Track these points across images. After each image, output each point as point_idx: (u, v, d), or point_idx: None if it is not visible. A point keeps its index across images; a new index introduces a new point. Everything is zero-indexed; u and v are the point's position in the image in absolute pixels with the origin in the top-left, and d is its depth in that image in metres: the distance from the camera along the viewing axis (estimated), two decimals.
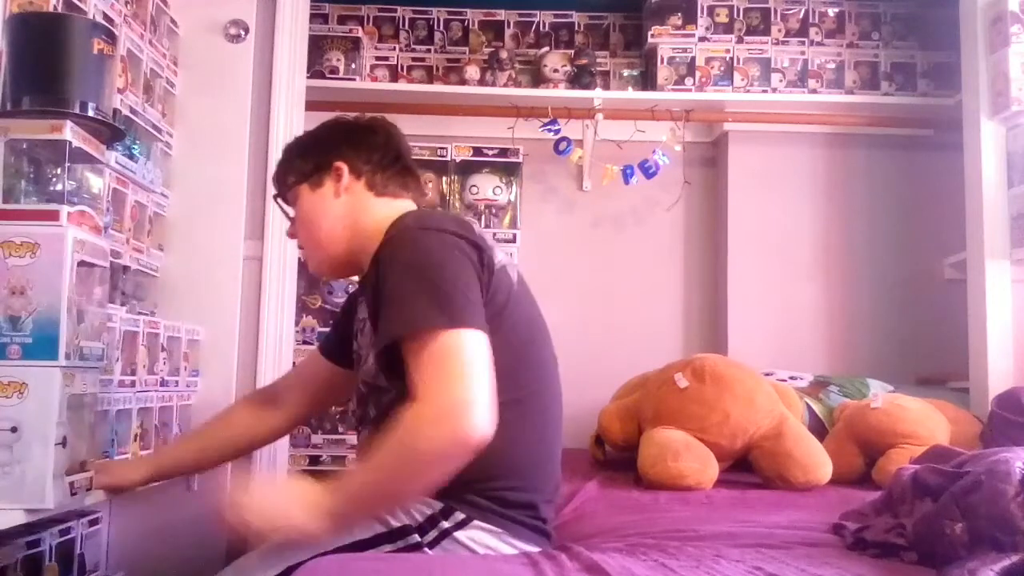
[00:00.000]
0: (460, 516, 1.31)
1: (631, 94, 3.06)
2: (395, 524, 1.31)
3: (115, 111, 1.67)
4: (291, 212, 1.57)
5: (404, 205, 1.51)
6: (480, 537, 1.32)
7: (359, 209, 1.49)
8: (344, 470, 1.32)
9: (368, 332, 1.39)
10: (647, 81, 3.12)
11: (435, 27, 3.22)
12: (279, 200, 1.58)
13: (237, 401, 2.01)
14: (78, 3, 1.71)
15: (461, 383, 1.18)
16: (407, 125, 2.97)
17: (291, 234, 1.59)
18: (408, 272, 1.26)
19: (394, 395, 1.31)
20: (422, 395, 1.19)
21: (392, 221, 1.38)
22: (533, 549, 1.35)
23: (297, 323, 2.65)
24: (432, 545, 1.30)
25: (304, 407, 1.76)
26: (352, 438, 2.74)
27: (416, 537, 1.30)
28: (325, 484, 1.23)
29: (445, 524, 1.31)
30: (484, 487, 1.33)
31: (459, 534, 1.31)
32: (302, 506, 1.20)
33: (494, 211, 2.97)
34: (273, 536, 1.25)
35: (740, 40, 3.07)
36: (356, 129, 1.56)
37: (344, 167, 1.49)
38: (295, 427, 1.97)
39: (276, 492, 1.30)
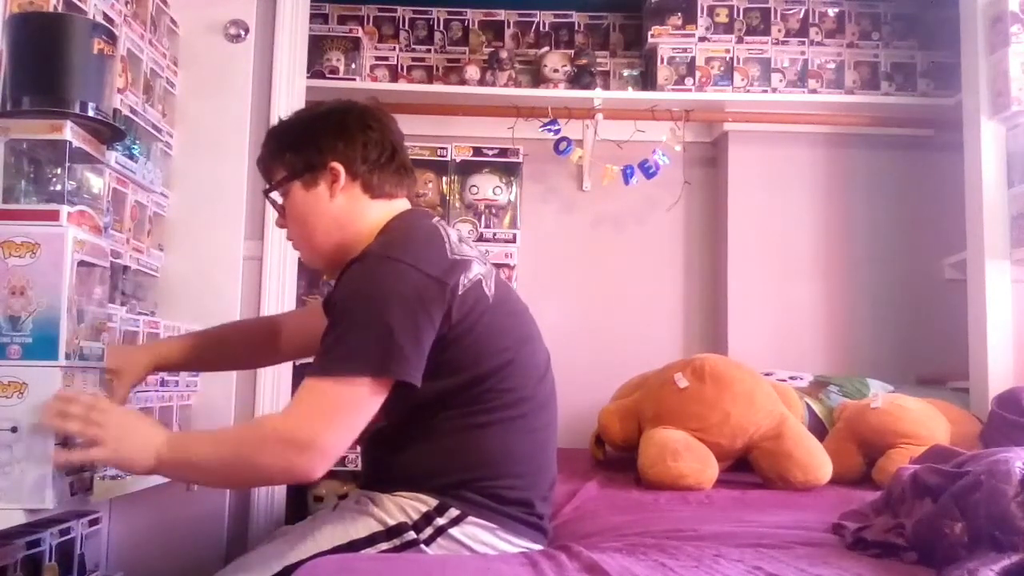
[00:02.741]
0: (455, 512, 1.32)
1: (631, 94, 3.06)
2: (391, 522, 1.32)
3: (115, 111, 1.67)
4: (279, 200, 1.52)
5: (398, 205, 1.50)
6: (475, 533, 1.32)
7: (354, 211, 1.46)
8: (191, 432, 1.49)
9: None
10: (647, 81, 3.12)
11: (435, 27, 3.22)
12: (268, 194, 1.54)
13: (246, 320, 2.14)
14: (78, 3, 1.71)
15: (329, 428, 1.23)
16: (407, 125, 2.96)
17: (281, 225, 1.55)
18: (354, 305, 1.28)
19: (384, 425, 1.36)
20: (290, 415, 1.26)
21: (379, 230, 1.42)
22: (529, 545, 1.36)
23: None
24: (429, 542, 1.30)
25: (300, 354, 1.80)
26: None
27: (412, 534, 1.30)
28: (164, 433, 1.30)
29: (440, 521, 1.31)
30: (479, 484, 1.34)
31: (454, 531, 1.31)
32: (142, 440, 1.25)
33: (494, 211, 2.97)
34: (90, 450, 1.25)
35: (740, 40, 3.07)
36: (352, 124, 1.48)
37: (341, 170, 1.44)
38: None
39: (127, 418, 1.30)
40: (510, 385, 1.37)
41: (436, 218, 1.51)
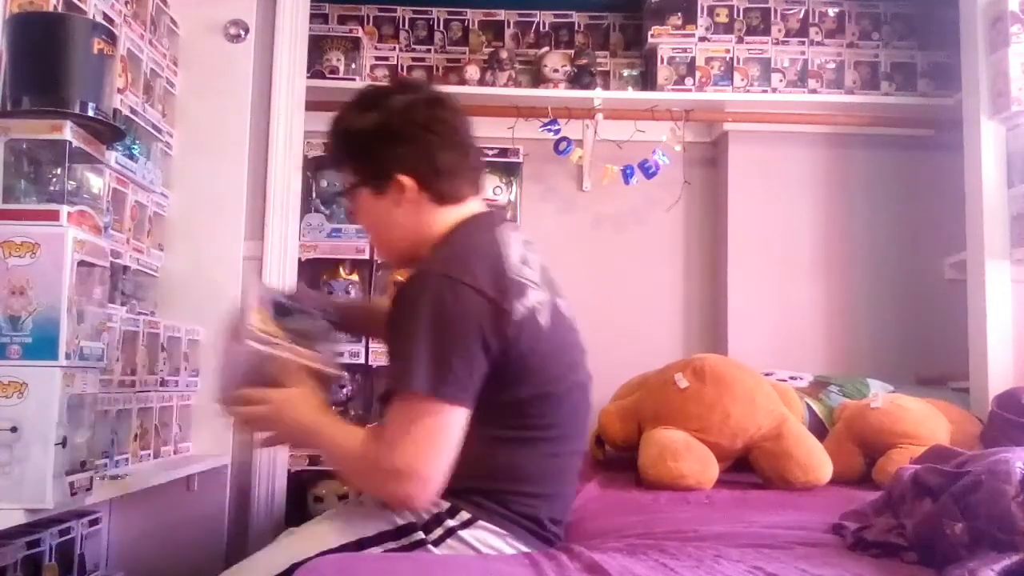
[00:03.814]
0: (466, 516, 1.31)
1: (631, 94, 3.06)
2: (400, 522, 1.31)
3: (115, 111, 1.67)
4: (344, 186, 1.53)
5: (469, 208, 1.44)
6: (484, 537, 1.32)
7: (423, 219, 1.41)
8: (324, 430, 1.37)
9: None
10: (647, 81, 3.12)
11: (435, 27, 3.22)
12: (345, 191, 1.52)
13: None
14: (78, 3, 1.71)
15: (422, 454, 1.24)
16: None
17: (352, 220, 1.60)
18: (418, 324, 1.25)
19: None
20: (388, 447, 1.26)
21: (445, 235, 1.41)
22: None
23: None
24: (437, 543, 1.30)
25: None
26: None
27: (420, 535, 1.30)
28: (318, 408, 1.39)
29: (451, 523, 1.31)
30: (493, 493, 1.33)
31: (464, 533, 1.31)
32: (296, 404, 1.37)
33: None
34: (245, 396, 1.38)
35: (740, 40, 3.07)
36: (418, 128, 1.40)
37: (410, 183, 1.39)
38: None
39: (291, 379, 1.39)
40: (541, 412, 1.35)
41: (503, 226, 1.45)
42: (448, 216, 1.42)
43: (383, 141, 1.41)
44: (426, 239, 1.41)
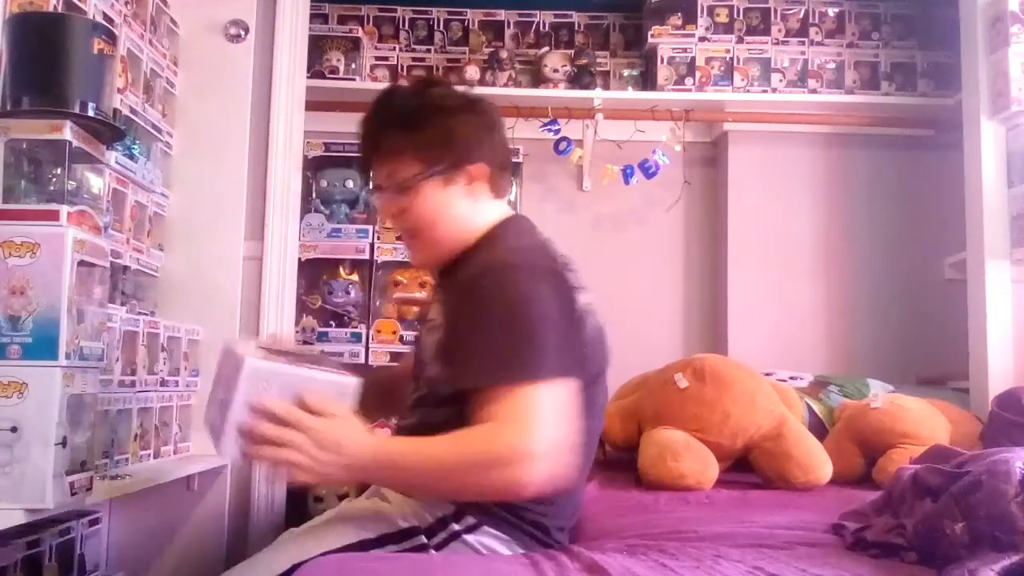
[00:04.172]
0: (471, 520, 1.30)
1: (631, 94, 3.06)
2: (403, 524, 1.30)
3: (115, 111, 1.67)
4: (395, 196, 1.40)
5: (503, 208, 1.47)
6: (488, 542, 1.30)
7: (476, 211, 1.41)
8: (401, 448, 1.22)
9: (435, 334, 1.35)
10: (647, 81, 3.12)
11: (435, 27, 3.22)
12: (380, 187, 1.41)
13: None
14: (78, 3, 1.71)
15: (557, 433, 1.18)
16: None
17: (393, 218, 1.43)
18: (503, 317, 1.23)
19: (448, 415, 1.27)
20: (527, 434, 1.17)
21: (490, 231, 1.39)
22: None
23: (297, 323, 2.66)
24: (440, 546, 1.29)
25: None
26: None
27: (423, 539, 1.29)
28: (372, 446, 1.18)
29: (456, 527, 1.29)
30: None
31: (469, 537, 1.29)
32: (351, 452, 1.15)
33: None
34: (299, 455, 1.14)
35: (740, 40, 3.07)
36: (489, 121, 1.44)
37: (482, 173, 1.40)
38: None
39: (336, 426, 1.17)
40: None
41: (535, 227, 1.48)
42: (492, 212, 1.43)
43: (457, 128, 1.39)
44: (471, 235, 1.40)
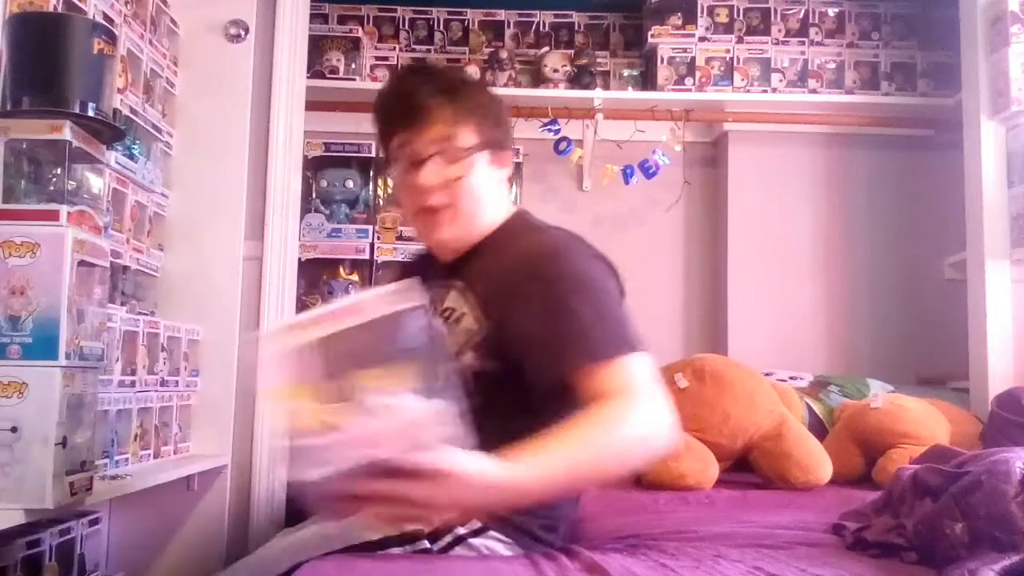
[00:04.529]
0: (477, 524, 1.27)
1: (631, 94, 3.06)
2: (406, 527, 1.25)
3: (115, 111, 1.67)
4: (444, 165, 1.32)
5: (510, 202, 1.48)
6: (493, 545, 1.28)
7: (502, 199, 1.41)
8: (543, 457, 1.06)
9: (465, 324, 1.29)
10: (647, 81, 3.12)
11: (435, 27, 3.22)
12: (426, 155, 1.32)
13: None
14: (78, 3, 1.71)
15: (658, 401, 1.18)
16: None
17: (433, 189, 1.32)
18: (581, 296, 1.23)
19: (495, 377, 1.25)
20: (632, 399, 1.15)
21: (510, 220, 1.38)
22: None
23: None
24: (446, 550, 1.26)
25: None
26: None
27: (426, 543, 1.27)
28: (510, 459, 1.04)
29: (461, 531, 1.27)
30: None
31: (474, 540, 1.27)
32: (496, 483, 1.02)
33: None
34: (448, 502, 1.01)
35: (740, 40, 3.07)
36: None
37: (514, 161, 1.44)
38: None
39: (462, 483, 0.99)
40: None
41: None
42: (508, 204, 1.43)
43: (502, 109, 1.43)
44: (493, 222, 1.38)
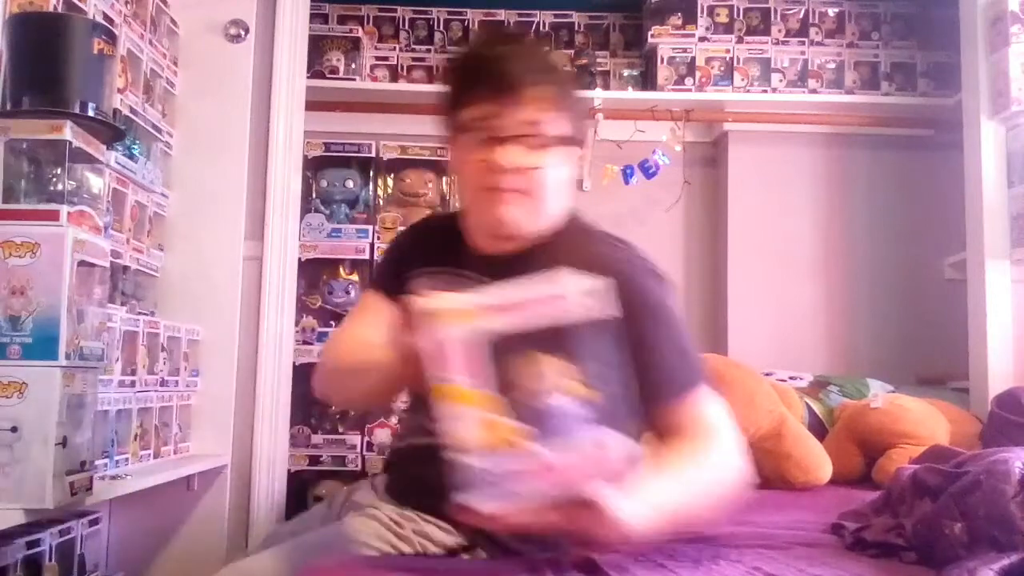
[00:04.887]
0: (483, 555, 1.22)
1: (631, 94, 3.06)
2: (407, 551, 1.21)
3: (115, 111, 1.67)
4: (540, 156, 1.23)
5: None
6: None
7: (567, 197, 1.32)
8: (655, 489, 1.03)
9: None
10: (647, 81, 3.12)
11: (435, 27, 3.22)
12: (517, 132, 1.21)
13: None
14: (78, 3, 1.71)
15: (736, 441, 1.20)
16: (407, 125, 3.01)
17: (521, 171, 1.21)
18: (665, 328, 1.23)
19: None
20: (718, 439, 1.17)
21: (575, 222, 1.32)
22: None
23: (297, 323, 2.65)
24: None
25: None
26: (352, 438, 2.73)
27: None
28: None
29: (465, 558, 1.23)
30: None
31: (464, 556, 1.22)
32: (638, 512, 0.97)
33: None
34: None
35: (740, 40, 3.07)
36: None
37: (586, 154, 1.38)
38: None
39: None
40: None
41: None
42: (567, 203, 1.34)
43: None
44: (551, 220, 1.28)
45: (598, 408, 0.87)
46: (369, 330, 1.28)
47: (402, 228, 1.57)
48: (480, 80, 1.23)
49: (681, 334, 1.23)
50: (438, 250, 1.33)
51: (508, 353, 0.87)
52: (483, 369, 0.86)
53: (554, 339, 0.87)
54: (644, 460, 0.91)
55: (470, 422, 0.85)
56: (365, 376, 1.20)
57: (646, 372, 1.12)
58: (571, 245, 1.24)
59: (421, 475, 1.18)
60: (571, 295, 0.87)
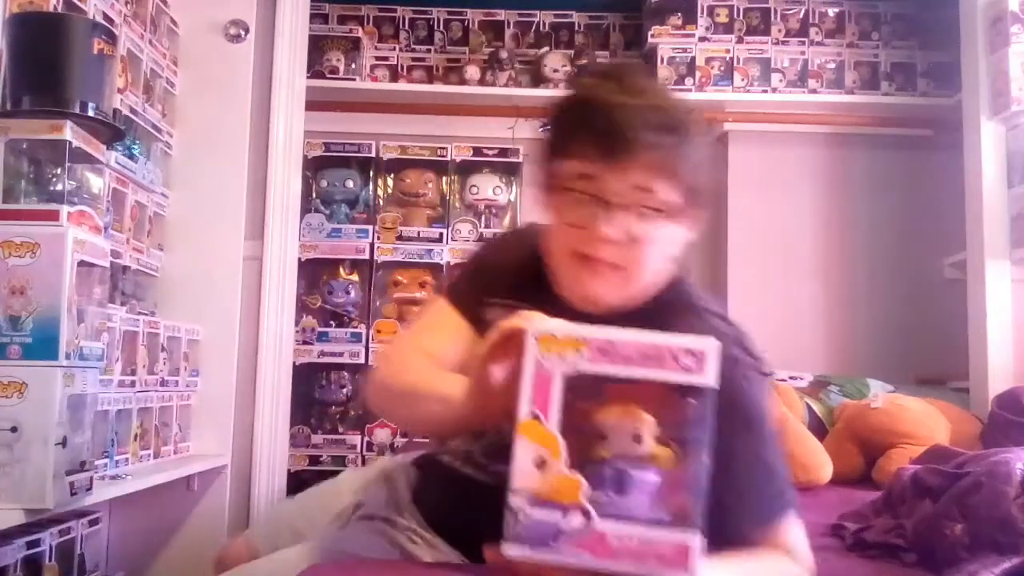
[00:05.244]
0: None
1: None
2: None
3: (115, 111, 1.67)
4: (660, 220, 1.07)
5: None
6: None
7: (674, 261, 1.15)
8: None
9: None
10: None
11: (435, 27, 3.22)
12: (624, 200, 1.04)
13: None
14: (78, 3, 1.71)
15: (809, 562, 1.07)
16: (407, 125, 3.02)
17: (602, 239, 1.04)
18: (774, 438, 1.08)
19: None
20: (789, 556, 1.04)
21: (672, 290, 1.13)
22: None
23: (297, 323, 2.66)
24: None
25: None
26: (352, 438, 2.74)
27: None
28: None
29: None
30: None
31: None
32: None
33: (494, 211, 2.97)
34: None
35: (740, 40, 3.07)
36: None
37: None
38: None
39: None
40: None
41: None
42: (673, 266, 1.18)
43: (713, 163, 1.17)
44: (651, 288, 1.13)
45: (676, 482, 0.79)
46: (440, 344, 1.16)
47: (485, 239, 1.43)
48: (590, 131, 1.05)
49: (776, 451, 1.06)
50: (523, 284, 1.17)
51: (602, 400, 0.79)
52: (567, 411, 0.79)
53: (654, 397, 0.79)
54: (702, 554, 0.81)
55: (538, 465, 0.78)
56: (426, 403, 1.07)
57: (728, 490, 0.92)
58: (670, 318, 1.02)
59: (455, 502, 1.14)
60: (678, 352, 0.79)
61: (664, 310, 1.07)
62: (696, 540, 0.77)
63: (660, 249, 1.08)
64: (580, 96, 1.10)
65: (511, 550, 0.78)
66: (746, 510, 1.00)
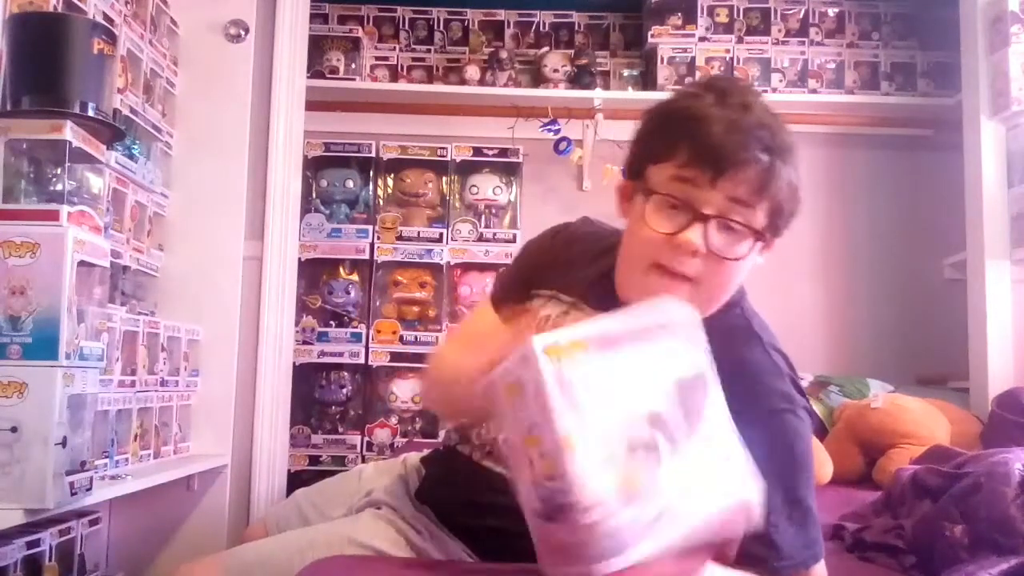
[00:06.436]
0: None
1: (631, 94, 3.06)
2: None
3: (115, 111, 1.67)
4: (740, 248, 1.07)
5: None
6: None
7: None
8: None
9: None
10: (647, 81, 3.12)
11: (435, 27, 3.22)
12: (719, 215, 1.05)
13: None
14: (78, 3, 1.71)
15: None
16: (407, 125, 3.02)
17: (690, 252, 1.04)
18: (810, 483, 1.03)
19: None
20: None
21: (732, 307, 1.13)
22: None
23: (297, 323, 2.66)
24: None
25: None
26: (352, 438, 2.74)
27: None
28: None
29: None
30: None
31: None
32: None
33: (494, 211, 2.97)
34: None
35: (740, 40, 3.07)
36: None
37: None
38: None
39: None
40: None
41: None
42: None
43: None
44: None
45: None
46: (472, 344, 1.17)
47: (554, 226, 1.45)
48: (694, 137, 1.03)
49: (809, 496, 1.02)
50: (581, 283, 1.22)
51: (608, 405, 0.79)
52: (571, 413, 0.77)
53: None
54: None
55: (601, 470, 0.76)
56: (464, 399, 1.04)
57: (755, 534, 0.90)
58: (723, 340, 0.95)
59: (469, 492, 1.16)
60: (677, 325, 0.80)
61: (719, 331, 0.96)
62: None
63: (737, 267, 1.08)
64: (685, 106, 1.08)
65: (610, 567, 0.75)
66: (768, 559, 0.96)
